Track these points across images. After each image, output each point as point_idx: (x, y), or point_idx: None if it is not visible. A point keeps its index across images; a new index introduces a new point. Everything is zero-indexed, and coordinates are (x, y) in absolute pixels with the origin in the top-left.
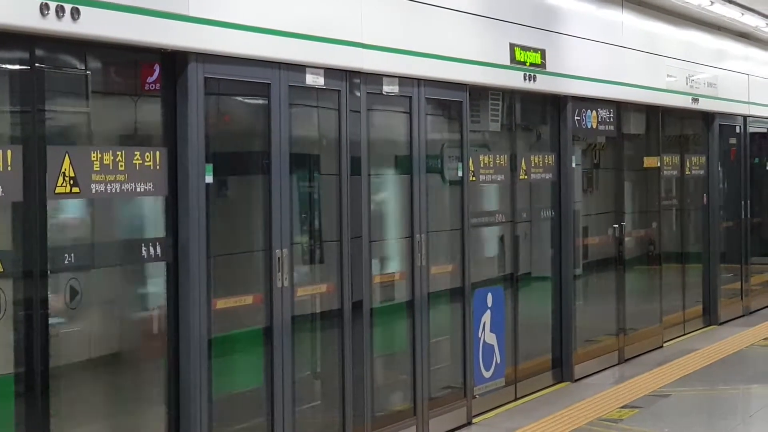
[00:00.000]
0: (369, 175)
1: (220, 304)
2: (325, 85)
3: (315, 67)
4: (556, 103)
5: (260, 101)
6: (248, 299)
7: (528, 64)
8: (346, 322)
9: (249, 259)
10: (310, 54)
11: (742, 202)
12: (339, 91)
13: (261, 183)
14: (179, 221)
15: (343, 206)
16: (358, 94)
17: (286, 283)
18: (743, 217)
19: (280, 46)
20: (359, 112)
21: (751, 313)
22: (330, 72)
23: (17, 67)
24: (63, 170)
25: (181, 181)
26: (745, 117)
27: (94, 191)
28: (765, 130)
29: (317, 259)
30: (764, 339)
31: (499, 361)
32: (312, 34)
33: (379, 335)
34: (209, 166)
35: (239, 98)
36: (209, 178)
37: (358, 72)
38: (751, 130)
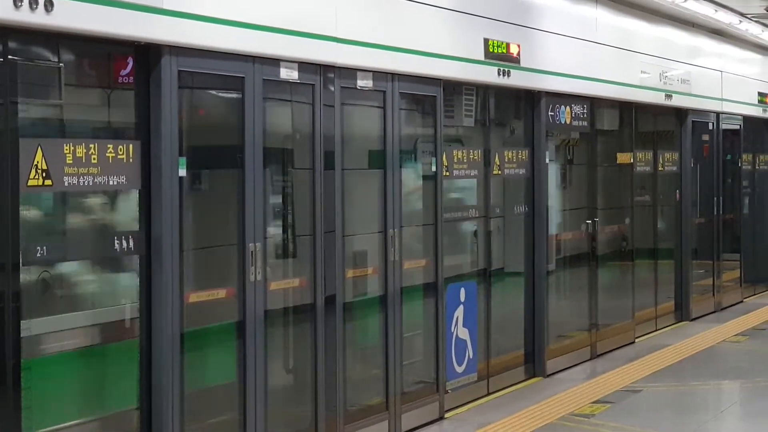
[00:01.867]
0: (342, 169)
1: (193, 297)
2: (299, 79)
3: (289, 61)
4: (530, 98)
5: (234, 95)
6: (221, 293)
7: (502, 57)
8: (318, 316)
9: (222, 253)
10: (284, 48)
11: (715, 199)
12: (313, 85)
13: (234, 177)
14: (152, 215)
15: (316, 201)
16: (332, 88)
17: (259, 277)
18: (715, 213)
19: (255, 39)
20: (333, 106)
21: (722, 309)
22: (304, 66)
23: None
24: (35, 163)
25: (154, 174)
26: (718, 114)
27: (66, 184)
28: (737, 127)
29: (290, 254)
30: (735, 335)
31: (471, 356)
32: (286, 28)
33: (351, 330)
34: (183, 160)
35: (213, 92)
36: (183, 172)
37: (332, 66)
38: (723, 126)
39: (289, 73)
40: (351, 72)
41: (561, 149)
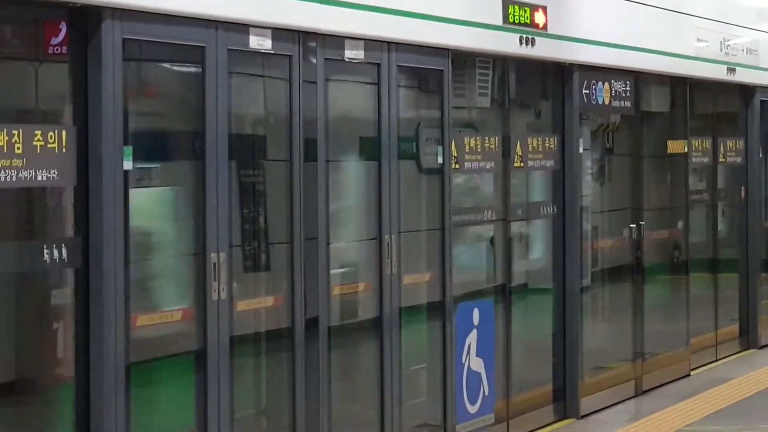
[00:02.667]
0: (327, 161)
1: (141, 320)
2: (273, 49)
3: (260, 26)
4: (560, 73)
5: (192, 69)
6: (176, 315)
7: (524, 23)
8: (297, 344)
9: (177, 265)
10: (254, 10)
11: None
12: (290, 56)
13: (193, 171)
14: (90, 217)
15: (295, 200)
16: (313, 60)
17: (223, 295)
18: None
19: (218, 0)
20: (315, 83)
21: None
22: (279, 33)
23: None
24: None
25: (92, 167)
26: None
27: None
28: None
29: (263, 266)
30: None
31: (487, 393)
32: None
33: (339, 360)
34: (128, 150)
35: (166, 65)
36: (128, 165)
37: (314, 33)
38: None
39: (260, 42)
40: (337, 40)
41: (598, 136)
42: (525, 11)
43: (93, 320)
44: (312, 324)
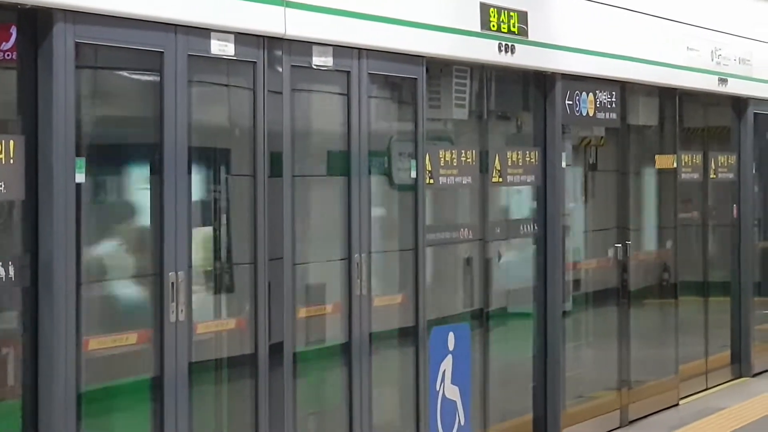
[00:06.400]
0: (293, 176)
1: (94, 344)
2: (236, 55)
3: (223, 31)
4: (542, 82)
5: (150, 76)
6: (131, 337)
7: (505, 30)
8: (261, 370)
9: (133, 285)
10: (216, 13)
11: None
12: (254, 63)
13: (150, 184)
14: (40, 233)
15: (259, 217)
16: (279, 68)
17: (182, 317)
18: None
19: (177, 2)
20: (281, 92)
21: None
22: (243, 38)
23: None
24: None
25: (42, 180)
26: None
27: None
28: None
29: (224, 287)
30: None
31: (463, 423)
32: None
33: (305, 389)
34: (81, 161)
35: (122, 72)
36: (81, 177)
37: (280, 39)
38: None
39: (222, 47)
40: (305, 46)
41: (582, 150)
42: (505, 16)
43: (42, 343)
44: (276, 349)
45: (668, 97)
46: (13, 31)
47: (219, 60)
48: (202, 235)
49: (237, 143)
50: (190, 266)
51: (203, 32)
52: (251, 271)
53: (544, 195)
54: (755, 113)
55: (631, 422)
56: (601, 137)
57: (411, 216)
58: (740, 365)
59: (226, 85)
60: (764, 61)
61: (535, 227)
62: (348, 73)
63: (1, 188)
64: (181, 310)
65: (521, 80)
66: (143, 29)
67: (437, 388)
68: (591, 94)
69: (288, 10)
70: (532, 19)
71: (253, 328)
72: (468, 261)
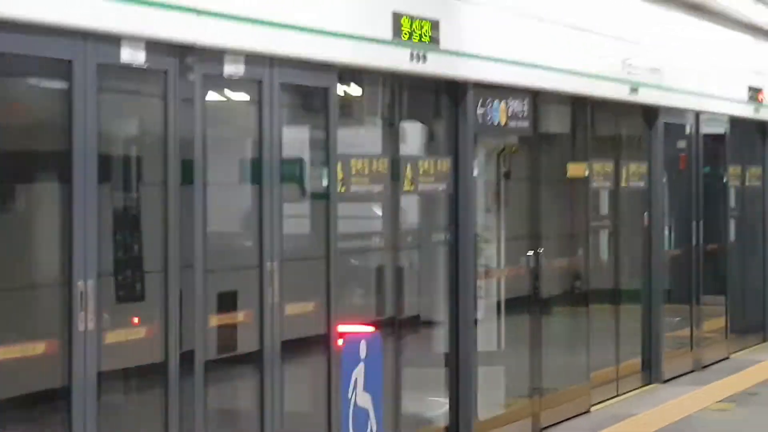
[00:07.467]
0: (205, 184)
1: (0, 353)
2: (146, 63)
3: (134, 39)
4: (454, 91)
5: (58, 85)
6: (38, 347)
7: (417, 39)
8: (172, 380)
9: (40, 295)
10: (126, 21)
11: (694, 224)
12: (166, 71)
13: (59, 193)
14: None
15: (170, 225)
16: (191, 77)
17: (90, 326)
18: (694, 243)
19: (87, 9)
20: (193, 100)
21: (703, 368)
22: (154, 46)
23: None
24: None
25: None
26: (697, 113)
27: None
28: (722, 131)
29: (135, 295)
30: (720, 402)
31: (375, 431)
32: None
33: (216, 397)
34: None
35: (29, 80)
36: None
37: (192, 47)
38: (705, 130)
39: (133, 56)
40: (216, 55)
41: (494, 159)
42: (417, 25)
43: None
44: (187, 358)
45: (580, 106)
46: None
47: (130, 68)
48: (111, 243)
49: (148, 151)
50: (99, 275)
51: (113, 40)
52: (162, 279)
53: (456, 203)
54: (666, 122)
55: (543, 429)
56: (514, 145)
57: (323, 224)
58: (651, 372)
59: (137, 93)
60: (675, 70)
61: (449, 236)
62: (260, 81)
63: None
64: (90, 320)
65: (434, 89)
66: (51, 36)
67: (349, 397)
68: (503, 103)
69: (200, 18)
70: (444, 28)
71: (163, 336)
72: (380, 269)
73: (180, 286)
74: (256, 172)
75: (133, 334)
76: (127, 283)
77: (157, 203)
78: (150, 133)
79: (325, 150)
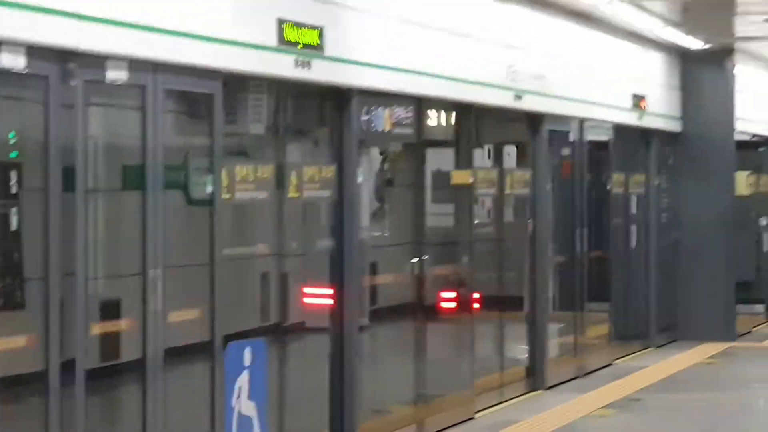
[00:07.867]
0: (86, 191)
1: None
2: (27, 68)
3: (13, 43)
4: (339, 98)
5: None
6: None
7: (301, 46)
8: (52, 389)
9: None
10: (6, 25)
11: (578, 232)
12: (47, 77)
13: None
14: None
15: (52, 232)
16: (73, 82)
17: None
18: (579, 250)
19: None
20: (74, 107)
21: (586, 374)
22: (35, 51)
23: None
24: None
25: None
26: (581, 120)
27: None
28: (606, 138)
29: (15, 303)
30: (602, 408)
31: None
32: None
33: (99, 408)
34: None
35: None
36: None
37: (74, 52)
38: (589, 137)
39: (13, 61)
40: (99, 60)
41: (379, 165)
42: (301, 32)
43: None
44: (68, 367)
45: (465, 112)
46: None
47: (9, 73)
48: None
49: (29, 158)
50: None
51: None
52: (43, 287)
53: (341, 210)
54: (550, 130)
55: None
56: (399, 152)
57: (207, 231)
58: (535, 378)
59: (16, 99)
60: (559, 77)
61: (333, 242)
62: (143, 87)
63: None
64: None
65: (319, 95)
66: None
67: (233, 404)
68: (387, 110)
69: (81, 23)
70: (328, 35)
71: (44, 344)
72: (264, 276)
73: (61, 293)
74: (140, 178)
75: (12, 343)
76: (7, 290)
77: (38, 210)
78: (31, 140)
79: (209, 156)
